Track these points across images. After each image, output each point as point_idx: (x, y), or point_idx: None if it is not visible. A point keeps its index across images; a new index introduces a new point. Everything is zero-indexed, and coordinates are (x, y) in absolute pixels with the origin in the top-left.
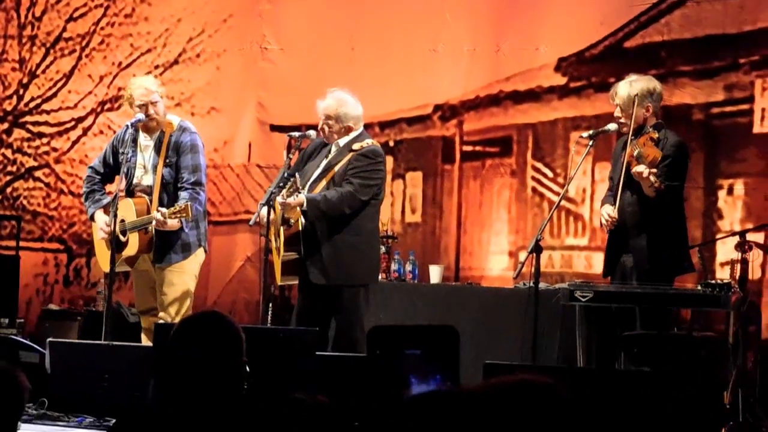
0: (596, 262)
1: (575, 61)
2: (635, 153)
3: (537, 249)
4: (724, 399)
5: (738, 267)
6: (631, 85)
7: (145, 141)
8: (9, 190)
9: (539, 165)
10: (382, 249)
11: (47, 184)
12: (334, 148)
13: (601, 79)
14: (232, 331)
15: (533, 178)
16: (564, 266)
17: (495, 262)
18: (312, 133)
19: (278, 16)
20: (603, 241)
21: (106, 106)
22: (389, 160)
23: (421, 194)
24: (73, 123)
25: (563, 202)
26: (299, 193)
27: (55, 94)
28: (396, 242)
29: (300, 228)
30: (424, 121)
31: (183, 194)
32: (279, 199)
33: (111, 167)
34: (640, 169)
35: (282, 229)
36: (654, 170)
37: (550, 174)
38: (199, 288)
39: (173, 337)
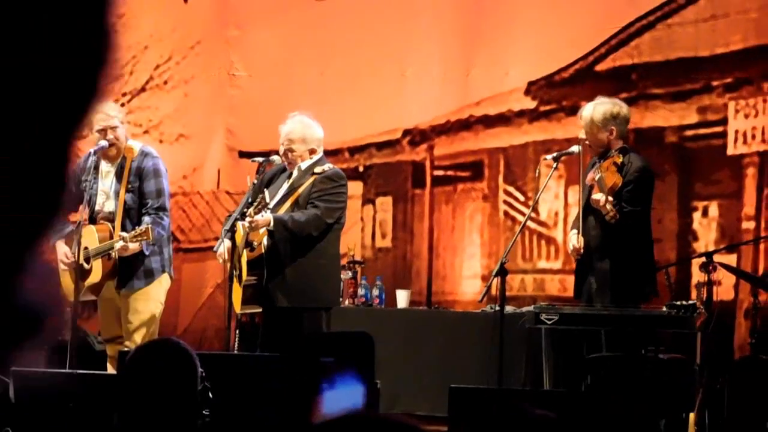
0: (570, 285)
1: (545, 85)
2: (597, 177)
3: (502, 272)
4: (690, 420)
5: (705, 288)
6: (595, 108)
7: (106, 167)
8: None
9: (511, 189)
10: (349, 274)
11: None
12: (296, 172)
13: (573, 102)
14: (186, 357)
15: (505, 201)
16: (536, 289)
17: (468, 286)
18: (276, 158)
19: (246, 42)
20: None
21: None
22: (359, 186)
23: (391, 219)
24: None
25: (535, 226)
26: (267, 211)
27: None
28: (365, 267)
29: (263, 251)
30: (393, 145)
31: (146, 219)
32: (247, 217)
33: (73, 195)
34: (597, 197)
35: (245, 252)
36: (611, 199)
37: (522, 198)
38: (168, 315)
39: (127, 365)
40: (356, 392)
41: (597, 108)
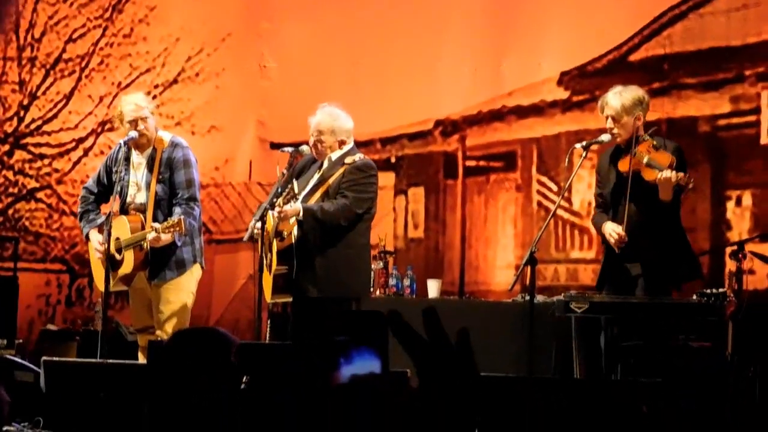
0: None
1: (577, 75)
2: (644, 161)
3: (532, 261)
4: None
5: (735, 277)
6: (622, 95)
7: (138, 159)
8: (11, 211)
9: (544, 179)
10: (380, 264)
11: (49, 205)
12: (326, 162)
13: (605, 92)
14: (224, 346)
15: (538, 192)
16: (570, 279)
17: (501, 277)
18: (305, 148)
19: (277, 34)
20: None
21: (106, 127)
22: (391, 176)
23: (423, 210)
24: (73, 144)
25: (568, 216)
26: (296, 201)
27: (55, 116)
28: (396, 257)
29: (293, 241)
30: (425, 136)
31: (177, 209)
32: (276, 207)
33: (105, 186)
34: (667, 174)
35: (275, 242)
36: (681, 173)
37: (555, 188)
38: (200, 307)
39: (162, 354)
40: (372, 366)
41: (624, 95)
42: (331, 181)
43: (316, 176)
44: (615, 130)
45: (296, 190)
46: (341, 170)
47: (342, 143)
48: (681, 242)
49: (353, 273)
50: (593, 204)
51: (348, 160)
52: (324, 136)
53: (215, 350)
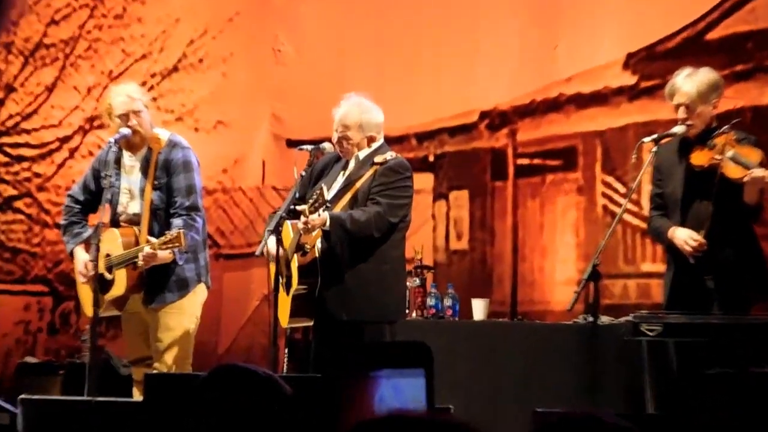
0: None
1: (646, 57)
2: (729, 155)
3: (595, 276)
4: None
5: None
6: (693, 80)
7: (130, 161)
8: None
9: (610, 179)
10: (417, 282)
11: (29, 216)
12: (353, 162)
13: None
14: (267, 388)
15: (603, 194)
16: (640, 296)
17: (560, 294)
18: (327, 145)
19: (293, 13)
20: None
21: (95, 123)
22: (429, 178)
23: (467, 216)
24: (57, 144)
25: (638, 222)
26: (325, 209)
27: (35, 111)
28: (436, 273)
29: (317, 255)
30: (469, 130)
31: (176, 221)
32: (302, 217)
33: (93, 194)
34: (759, 173)
35: (296, 257)
36: None
37: (622, 189)
38: (207, 333)
39: (191, 400)
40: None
41: (697, 79)
42: (359, 184)
43: (341, 179)
44: (690, 121)
45: (327, 196)
46: (371, 171)
47: (371, 140)
48: (758, 252)
49: (387, 292)
50: (649, 206)
51: (378, 159)
52: (350, 132)
53: (267, 400)
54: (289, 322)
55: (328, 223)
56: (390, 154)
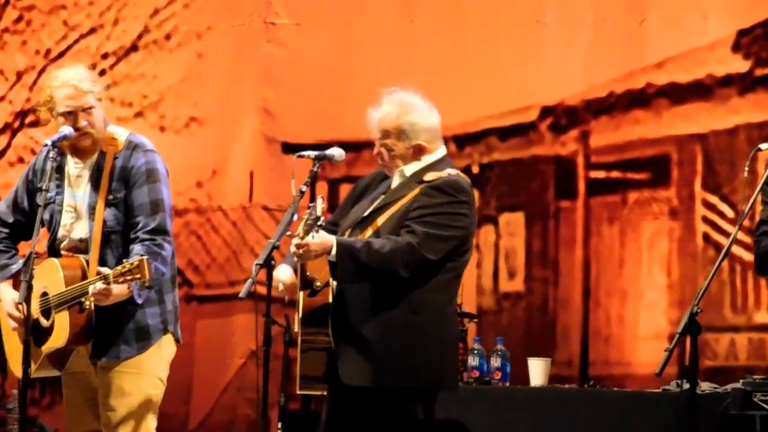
0: None
1: (763, 35)
2: None
3: (692, 329)
4: None
5: None
6: None
7: (76, 169)
8: None
9: (713, 199)
10: None
11: None
12: (396, 179)
13: None
14: None
15: (705, 219)
16: (753, 357)
17: (646, 352)
18: (336, 152)
19: None
20: None
21: (27, 119)
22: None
23: (523, 247)
24: None
25: (750, 257)
26: (322, 229)
27: None
28: (480, 324)
29: (331, 297)
30: (525, 132)
31: (137, 248)
32: (294, 239)
33: (25, 214)
34: None
35: (301, 296)
36: None
37: (731, 213)
38: (175, 401)
39: None
40: None
41: None
42: (395, 208)
43: (379, 200)
44: None
45: (318, 211)
46: (415, 191)
47: (419, 150)
48: None
49: (419, 351)
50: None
51: (429, 176)
52: (391, 140)
53: None
54: (301, 387)
55: (334, 251)
56: (448, 171)
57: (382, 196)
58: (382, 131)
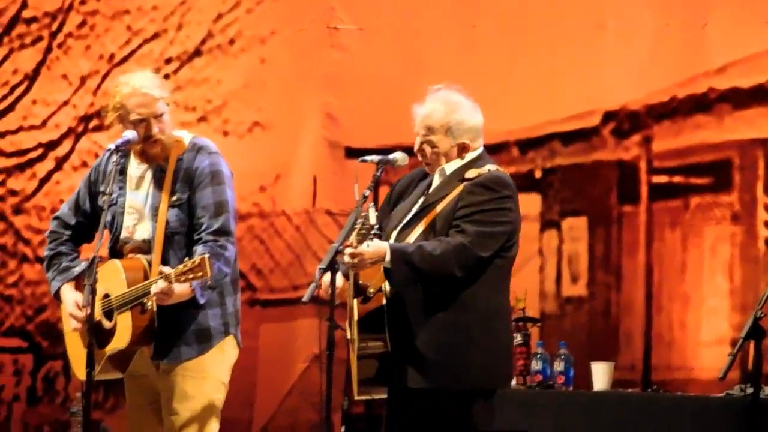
0: None
1: None
2: None
3: (756, 333)
4: None
5: None
6: None
7: (137, 170)
8: None
9: None
10: (518, 338)
11: (2, 247)
12: (437, 178)
13: None
14: None
15: (767, 224)
16: None
17: (710, 357)
18: (399, 156)
19: None
20: None
21: (91, 124)
22: (536, 200)
23: (586, 252)
24: (40, 151)
25: None
26: (376, 237)
27: (11, 107)
28: (543, 328)
29: (384, 302)
30: (588, 137)
31: (199, 248)
32: (347, 249)
33: (88, 216)
34: None
35: (355, 304)
36: None
37: None
38: (238, 405)
39: None
40: None
41: None
42: (440, 207)
43: (420, 201)
44: None
45: (372, 219)
46: (458, 190)
47: (463, 149)
48: None
49: (479, 351)
50: None
51: (470, 174)
52: (435, 137)
53: None
54: (360, 393)
55: (388, 258)
56: (488, 168)
57: (424, 197)
58: (427, 128)
